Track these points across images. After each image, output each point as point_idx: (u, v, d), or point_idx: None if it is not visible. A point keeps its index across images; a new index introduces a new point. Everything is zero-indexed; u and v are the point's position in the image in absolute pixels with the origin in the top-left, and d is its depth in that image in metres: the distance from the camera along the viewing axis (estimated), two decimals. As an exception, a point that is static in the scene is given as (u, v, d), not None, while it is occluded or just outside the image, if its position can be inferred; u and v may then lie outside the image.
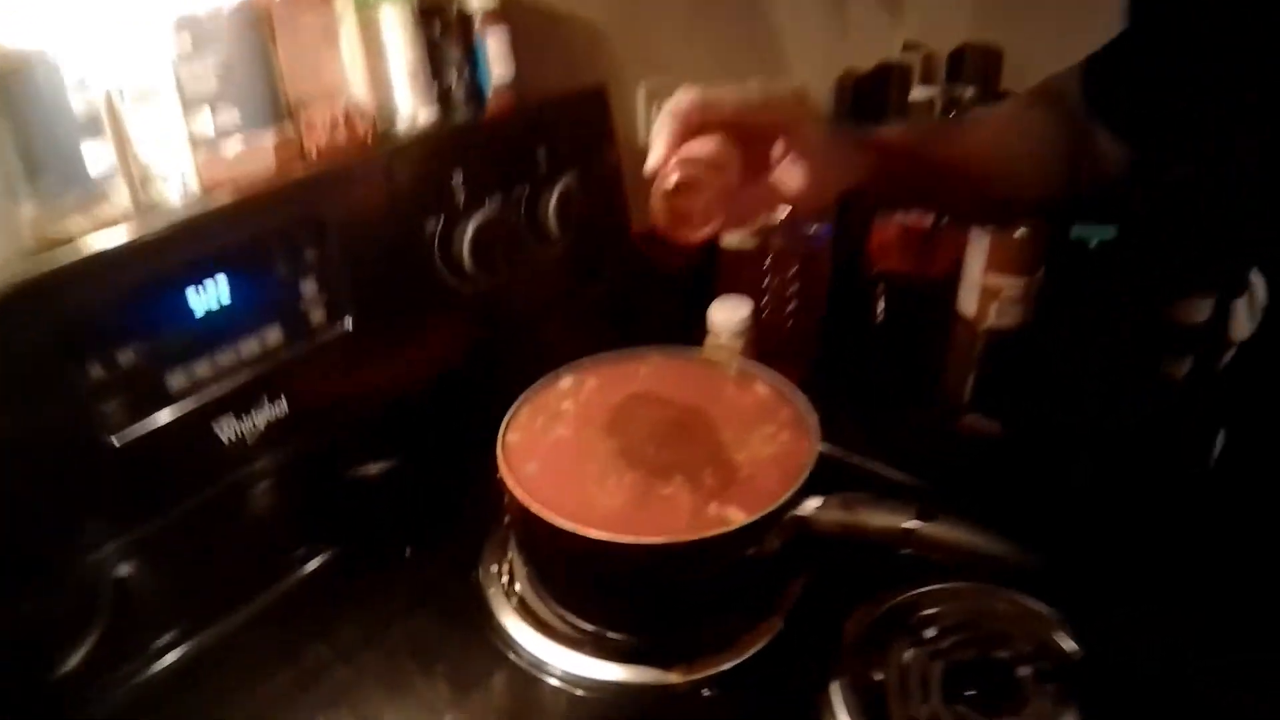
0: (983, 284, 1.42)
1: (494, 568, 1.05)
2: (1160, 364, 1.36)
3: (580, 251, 1.26)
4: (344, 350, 1.04)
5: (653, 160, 0.80)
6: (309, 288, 1.00)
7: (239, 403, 0.97)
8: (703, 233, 0.82)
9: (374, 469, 1.15)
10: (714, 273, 1.36)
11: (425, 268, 1.10)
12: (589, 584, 0.94)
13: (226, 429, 0.96)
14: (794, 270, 1.29)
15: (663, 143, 0.80)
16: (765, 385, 1.05)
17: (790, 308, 1.31)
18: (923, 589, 0.98)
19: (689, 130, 0.80)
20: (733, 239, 1.33)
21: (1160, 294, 1.39)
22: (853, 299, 1.54)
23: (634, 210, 1.34)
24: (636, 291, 1.35)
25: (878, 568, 0.92)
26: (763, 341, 1.23)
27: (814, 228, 1.29)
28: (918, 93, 1.70)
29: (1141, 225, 1.36)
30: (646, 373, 1.08)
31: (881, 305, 1.57)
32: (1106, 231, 1.49)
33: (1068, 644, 0.90)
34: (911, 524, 0.82)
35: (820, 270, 1.32)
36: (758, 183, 0.86)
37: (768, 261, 1.30)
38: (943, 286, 1.55)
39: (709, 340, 1.20)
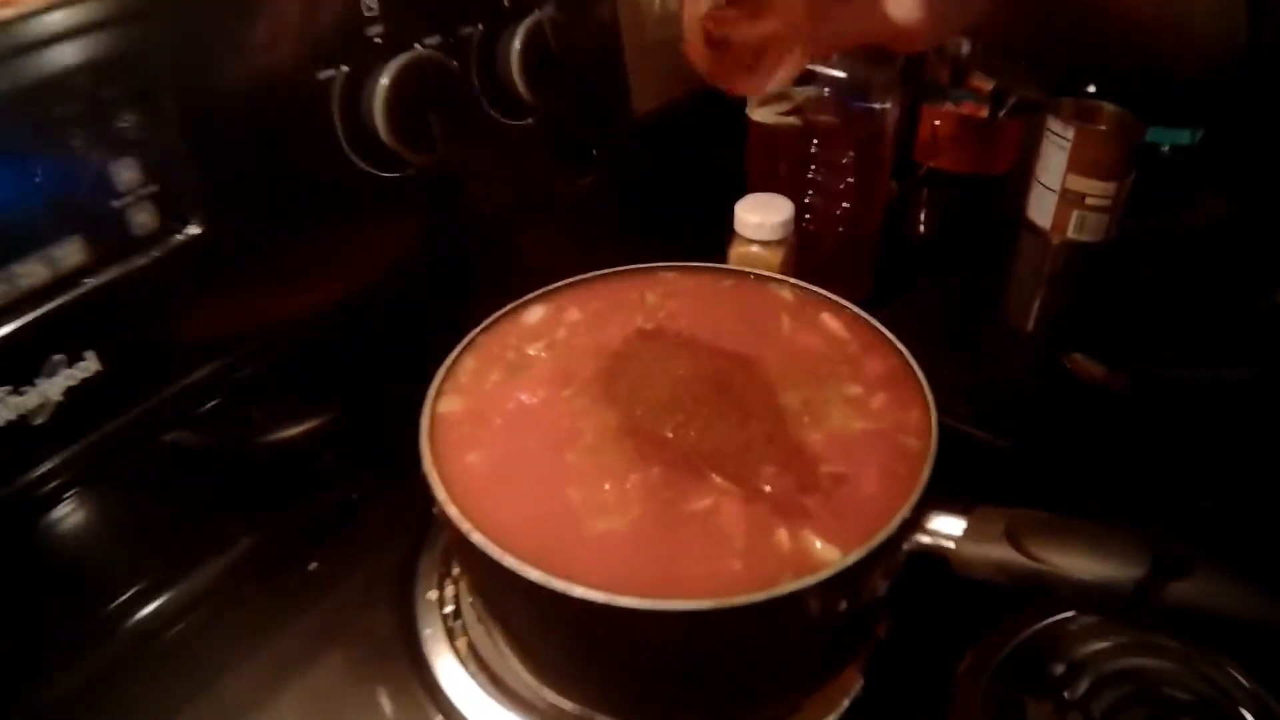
0: (1064, 187, 1.06)
1: (432, 594, 0.67)
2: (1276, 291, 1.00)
3: (561, 127, 0.84)
4: (189, 270, 0.63)
5: None
6: (129, 174, 0.58)
7: (16, 364, 0.56)
8: (761, 79, 0.50)
9: (252, 448, 0.75)
10: (740, 160, 0.95)
11: (320, 141, 0.67)
12: (576, 655, 0.54)
13: (-1, 408, 0.57)
14: (848, 157, 0.88)
15: None
16: (836, 319, 0.64)
17: (843, 208, 0.91)
18: (1056, 616, 0.63)
19: None
20: (766, 112, 0.91)
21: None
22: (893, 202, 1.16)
23: (636, 78, 0.92)
24: (640, 186, 0.93)
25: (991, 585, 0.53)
26: (806, 253, 0.83)
27: (879, 100, 0.88)
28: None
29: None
30: (657, 301, 0.67)
31: (926, 211, 1.23)
32: (1181, 135, 1.18)
33: (1250, 693, 0.60)
34: (1144, 577, 0.43)
35: (882, 158, 0.91)
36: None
37: (814, 145, 0.89)
38: (1001, 189, 1.20)
39: (735, 252, 0.80)
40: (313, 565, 0.72)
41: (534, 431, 0.56)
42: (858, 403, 0.57)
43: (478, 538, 0.48)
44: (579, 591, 0.45)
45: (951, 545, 0.48)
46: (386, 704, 0.63)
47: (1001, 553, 0.47)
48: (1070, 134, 1.05)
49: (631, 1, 0.95)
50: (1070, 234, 1.09)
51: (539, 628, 0.53)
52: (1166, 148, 1.19)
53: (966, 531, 0.48)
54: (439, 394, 0.58)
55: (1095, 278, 1.09)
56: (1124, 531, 0.46)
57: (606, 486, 0.51)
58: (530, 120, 0.80)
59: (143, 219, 0.60)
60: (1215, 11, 0.69)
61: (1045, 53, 0.82)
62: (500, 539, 0.48)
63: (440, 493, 0.52)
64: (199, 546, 0.72)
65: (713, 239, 0.84)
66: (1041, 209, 1.11)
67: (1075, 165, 1.06)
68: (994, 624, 0.63)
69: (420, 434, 0.55)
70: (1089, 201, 1.06)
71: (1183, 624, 0.44)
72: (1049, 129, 1.08)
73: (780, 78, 0.49)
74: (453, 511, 0.50)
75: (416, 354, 0.64)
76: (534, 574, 0.46)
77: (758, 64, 0.49)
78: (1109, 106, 1.08)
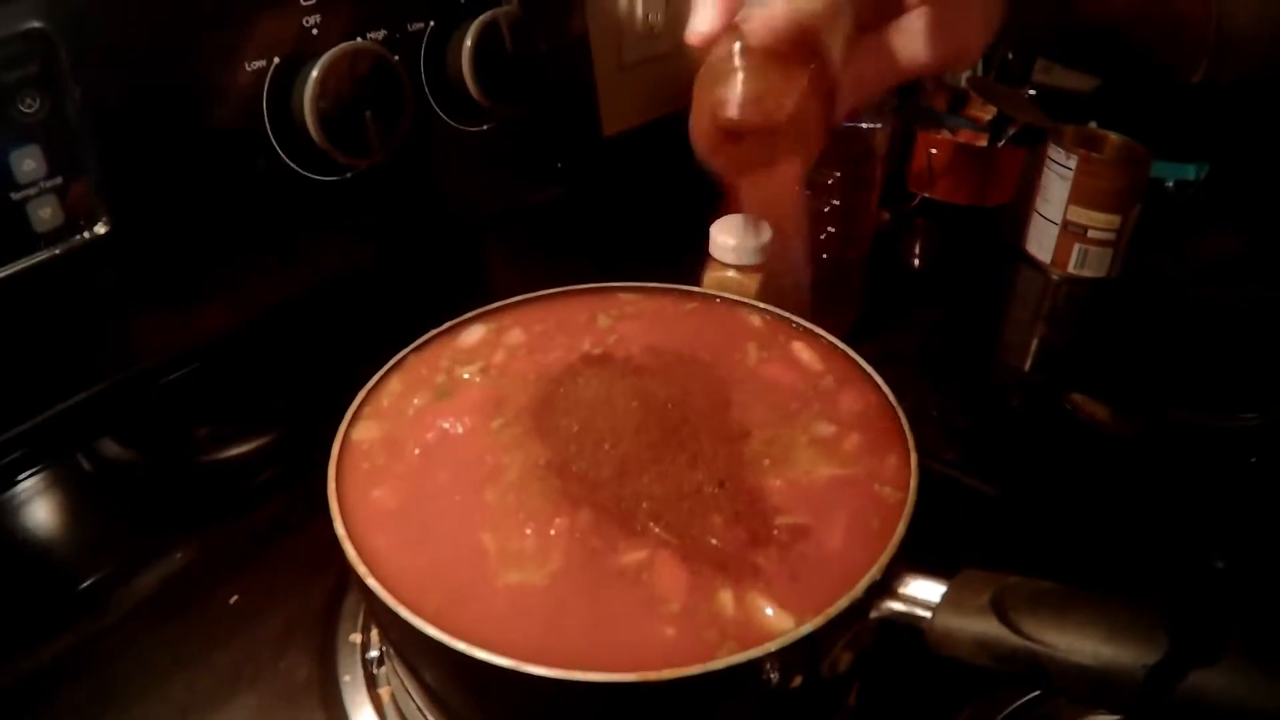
0: (1065, 219, 0.99)
1: (355, 636, 0.58)
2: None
3: (522, 136, 0.76)
4: (95, 274, 0.55)
5: (702, 23, 0.42)
6: (31, 164, 0.51)
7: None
8: (769, 175, 0.44)
9: (186, 462, 0.67)
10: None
11: (247, 139, 0.59)
12: (490, 717, 0.46)
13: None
14: (834, 178, 0.80)
15: None
16: (809, 349, 0.56)
17: (828, 233, 0.83)
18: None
19: None
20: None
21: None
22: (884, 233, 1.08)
23: (605, 94, 0.84)
24: (611, 205, 0.84)
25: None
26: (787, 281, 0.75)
27: (868, 119, 0.80)
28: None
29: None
30: (609, 324, 0.58)
31: (918, 243, 1.14)
32: (1186, 170, 1.12)
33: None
34: (1159, 662, 0.35)
35: (871, 180, 0.84)
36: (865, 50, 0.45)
37: (799, 165, 0.81)
38: (998, 221, 1.12)
39: (709, 277, 0.72)
40: (234, 599, 0.64)
41: (452, 465, 0.47)
42: (828, 444, 0.49)
43: (373, 584, 0.40)
44: (481, 655, 0.37)
45: (927, 615, 0.39)
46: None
47: (985, 627, 0.38)
48: (1073, 163, 0.98)
49: (609, 16, 0.87)
50: (1071, 269, 1.02)
51: (447, 689, 0.44)
52: (1171, 183, 1.14)
53: (945, 599, 0.39)
54: (355, 418, 0.50)
55: (1097, 316, 1.01)
56: (1136, 606, 0.37)
57: (527, 532, 0.43)
58: (486, 126, 0.72)
59: (45, 213, 0.53)
60: (1263, 14, 0.61)
61: (1067, 50, 0.73)
62: (400, 587, 0.40)
63: (340, 529, 0.44)
64: (114, 569, 0.64)
65: (688, 264, 0.75)
66: (1041, 242, 1.04)
67: (1078, 196, 0.99)
68: (980, 691, 0.54)
69: (329, 462, 0.48)
70: (1091, 235, 0.99)
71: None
72: (1050, 157, 1.01)
73: (788, 174, 0.43)
74: (350, 551, 0.42)
75: (363, 372, 0.56)
76: (432, 631, 0.38)
77: (768, 157, 0.42)
78: (1114, 135, 1.01)
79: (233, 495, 0.70)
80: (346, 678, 0.57)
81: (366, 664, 0.57)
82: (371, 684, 0.56)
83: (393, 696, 0.55)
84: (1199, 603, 0.43)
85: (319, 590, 0.62)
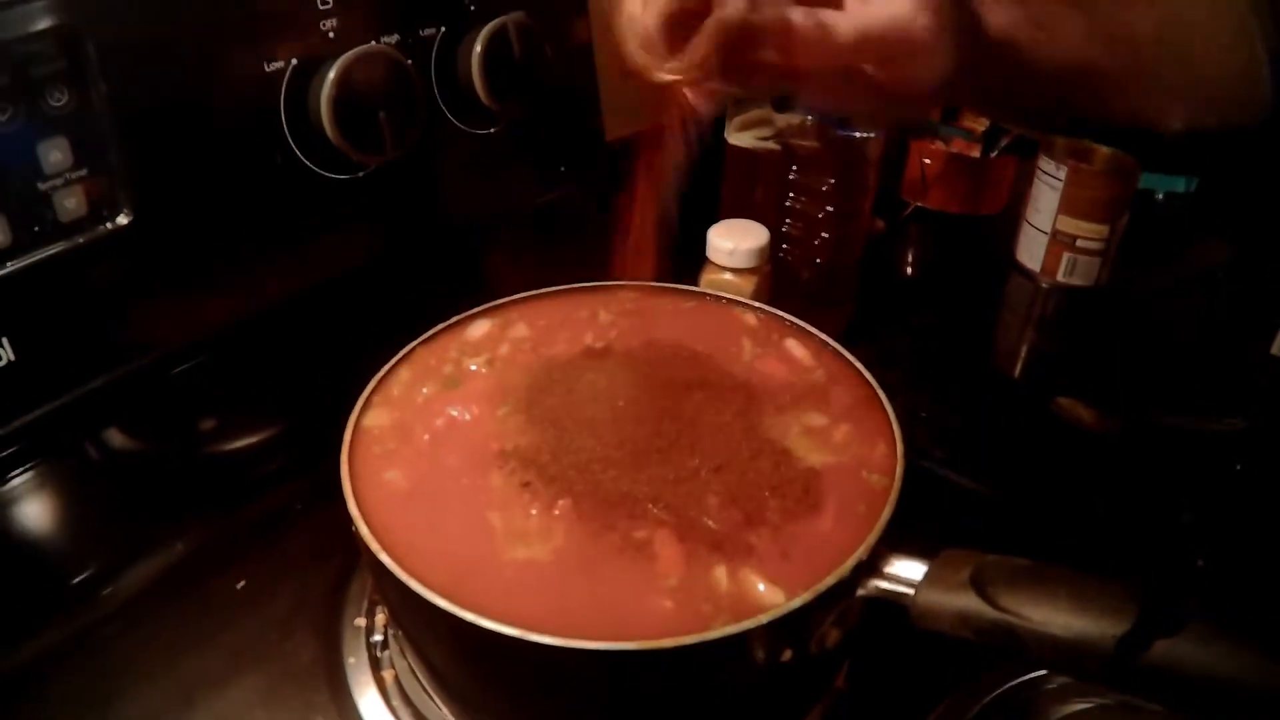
0: (1054, 228, 1.01)
1: (360, 620, 0.60)
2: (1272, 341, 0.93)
3: (528, 139, 0.79)
4: (117, 263, 0.57)
5: None
6: (58, 156, 0.54)
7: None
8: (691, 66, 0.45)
9: (194, 452, 0.69)
10: (715, 185, 0.90)
11: (264, 137, 0.62)
12: (492, 694, 0.48)
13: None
14: (828, 185, 0.83)
15: None
16: (801, 346, 0.58)
17: (822, 238, 0.85)
18: (1032, 673, 0.56)
19: None
20: (744, 136, 0.86)
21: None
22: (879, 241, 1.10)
23: (608, 101, 0.86)
24: (610, 205, 0.87)
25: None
26: (782, 284, 0.77)
27: (862, 128, 0.82)
28: None
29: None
30: (610, 319, 0.61)
31: (912, 251, 1.17)
32: (1176, 182, 1.15)
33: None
34: (1127, 633, 0.37)
35: (864, 186, 0.86)
36: None
37: (793, 171, 0.84)
38: (990, 230, 1.15)
39: (706, 279, 0.75)
40: (240, 584, 0.66)
41: (460, 449, 0.50)
42: (820, 434, 0.51)
43: (385, 559, 0.42)
44: (488, 624, 0.39)
45: (910, 592, 0.42)
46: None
47: (965, 602, 0.40)
48: (1062, 173, 1.00)
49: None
50: (1060, 277, 1.04)
51: (453, 662, 0.47)
52: (1161, 195, 1.17)
53: (927, 577, 0.42)
54: (366, 406, 0.52)
55: (1086, 323, 1.03)
56: (1106, 581, 0.39)
57: (532, 512, 0.45)
58: (494, 129, 0.74)
59: (70, 203, 0.55)
60: (1230, 68, 0.61)
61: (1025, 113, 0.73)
62: (411, 562, 0.42)
63: (354, 509, 0.46)
64: (126, 552, 0.66)
65: (686, 267, 0.78)
66: (1031, 251, 1.06)
67: (1067, 205, 1.01)
68: (964, 679, 0.56)
69: (341, 448, 0.50)
70: (1080, 244, 1.01)
71: (1170, 690, 0.37)
72: (1040, 168, 1.03)
73: (701, 74, 0.44)
74: (363, 530, 0.44)
75: (369, 364, 0.58)
76: (441, 602, 0.40)
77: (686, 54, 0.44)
78: (1104, 148, 1.03)
79: (240, 485, 0.72)
80: (351, 660, 0.59)
81: (371, 647, 0.59)
82: (376, 666, 0.58)
83: (396, 678, 0.57)
84: (1166, 577, 0.45)
85: (324, 576, 0.64)
